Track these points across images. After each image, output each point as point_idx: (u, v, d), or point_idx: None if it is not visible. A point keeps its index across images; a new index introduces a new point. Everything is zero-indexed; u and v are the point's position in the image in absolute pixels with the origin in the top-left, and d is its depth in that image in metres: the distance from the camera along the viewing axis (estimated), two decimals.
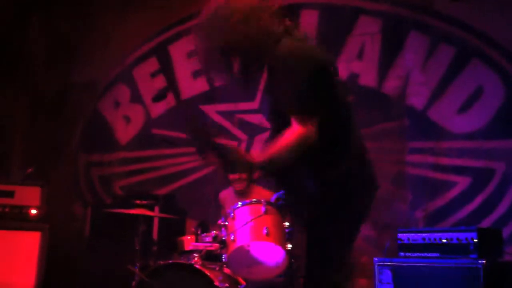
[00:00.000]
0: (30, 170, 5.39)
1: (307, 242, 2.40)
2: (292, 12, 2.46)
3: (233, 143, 2.40)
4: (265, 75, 2.43)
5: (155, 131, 6.16)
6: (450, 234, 3.84)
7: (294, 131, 2.21)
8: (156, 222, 5.25)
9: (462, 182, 4.93)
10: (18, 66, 6.51)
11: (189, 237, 4.50)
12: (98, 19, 6.48)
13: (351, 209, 2.38)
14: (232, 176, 4.70)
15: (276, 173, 2.40)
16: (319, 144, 2.24)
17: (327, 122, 2.27)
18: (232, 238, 4.05)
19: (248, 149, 5.54)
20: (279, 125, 2.32)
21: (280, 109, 2.30)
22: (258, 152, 2.32)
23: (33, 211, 4.90)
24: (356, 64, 5.43)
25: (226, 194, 4.92)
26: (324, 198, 2.31)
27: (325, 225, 2.34)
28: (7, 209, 4.86)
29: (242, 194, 4.65)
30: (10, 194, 4.90)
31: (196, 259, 4.15)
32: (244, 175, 4.63)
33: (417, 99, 5.22)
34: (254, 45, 2.28)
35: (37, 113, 6.53)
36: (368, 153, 2.46)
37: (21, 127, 6.50)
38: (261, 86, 2.53)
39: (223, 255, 4.18)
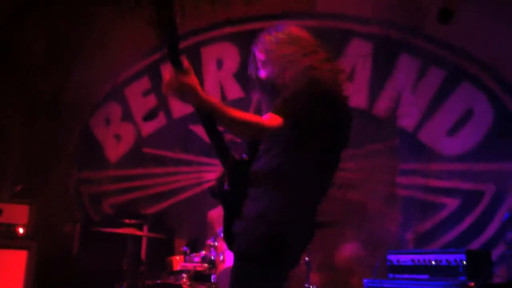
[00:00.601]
0: (18, 188, 5.36)
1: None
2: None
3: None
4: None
5: (146, 150, 6.15)
6: (439, 256, 3.84)
7: (260, 115, 2.22)
8: (144, 241, 5.21)
9: (451, 204, 4.94)
10: (16, 68, 6.46)
11: (178, 257, 4.46)
12: (94, 27, 6.45)
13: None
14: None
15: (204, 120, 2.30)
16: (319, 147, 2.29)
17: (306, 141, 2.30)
18: (221, 258, 4.04)
19: None
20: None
21: None
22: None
23: (21, 230, 4.88)
24: (347, 85, 5.46)
25: (215, 214, 4.89)
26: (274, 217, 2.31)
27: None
28: None
29: None
30: None
31: (184, 279, 4.12)
32: None
33: (407, 121, 5.25)
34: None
35: (33, 118, 6.47)
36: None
37: (16, 131, 6.45)
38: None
39: (212, 276, 4.17)
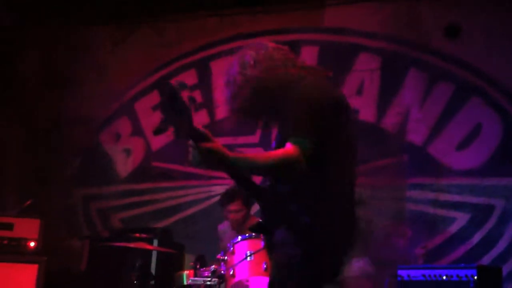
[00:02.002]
0: (29, 202, 5.37)
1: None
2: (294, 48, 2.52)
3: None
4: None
5: (155, 164, 6.16)
6: (450, 271, 3.83)
7: (283, 149, 2.19)
8: (154, 255, 5.20)
9: (461, 219, 4.93)
10: (12, 92, 6.50)
11: (187, 272, 4.46)
12: (99, 46, 6.50)
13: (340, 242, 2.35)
14: (229, 207, 4.66)
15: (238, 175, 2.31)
16: (316, 173, 2.23)
17: (330, 155, 2.27)
18: (231, 272, 4.04)
19: None
20: None
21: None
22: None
23: (32, 244, 4.87)
24: (356, 99, 5.47)
25: (225, 227, 4.89)
26: (319, 231, 2.30)
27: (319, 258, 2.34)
28: (5, 242, 4.82)
29: (239, 226, 4.62)
30: (9, 227, 4.87)
31: None
32: (242, 206, 4.60)
33: (416, 135, 5.25)
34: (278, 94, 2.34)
35: (32, 140, 6.49)
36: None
37: (15, 155, 6.46)
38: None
39: None
